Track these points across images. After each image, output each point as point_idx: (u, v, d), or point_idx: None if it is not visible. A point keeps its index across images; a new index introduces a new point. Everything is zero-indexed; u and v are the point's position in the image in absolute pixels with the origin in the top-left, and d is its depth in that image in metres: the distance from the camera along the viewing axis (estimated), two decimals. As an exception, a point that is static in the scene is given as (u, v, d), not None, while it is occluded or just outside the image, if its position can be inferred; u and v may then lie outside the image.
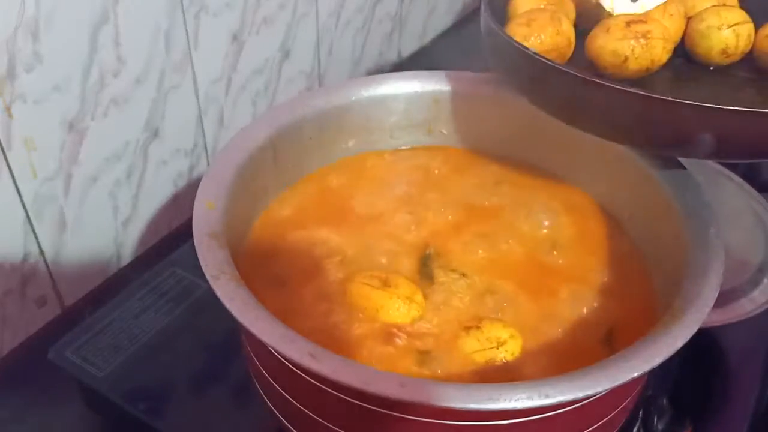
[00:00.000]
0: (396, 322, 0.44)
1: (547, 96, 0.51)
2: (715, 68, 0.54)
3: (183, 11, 0.61)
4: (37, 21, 0.50)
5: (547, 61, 0.47)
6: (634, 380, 0.37)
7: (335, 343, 0.43)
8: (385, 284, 0.45)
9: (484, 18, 0.53)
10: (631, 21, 0.49)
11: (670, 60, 0.52)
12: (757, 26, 0.53)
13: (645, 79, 0.51)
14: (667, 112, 0.44)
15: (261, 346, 0.42)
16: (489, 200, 0.55)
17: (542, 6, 0.55)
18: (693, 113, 0.43)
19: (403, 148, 0.59)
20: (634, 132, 0.48)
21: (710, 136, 0.44)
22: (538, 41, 0.52)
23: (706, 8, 0.54)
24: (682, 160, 0.50)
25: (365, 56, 0.89)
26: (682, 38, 0.54)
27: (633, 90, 0.44)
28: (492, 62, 0.55)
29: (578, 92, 0.47)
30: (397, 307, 0.45)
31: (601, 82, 0.45)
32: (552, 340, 0.44)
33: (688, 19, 0.54)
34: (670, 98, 0.43)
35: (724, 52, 0.53)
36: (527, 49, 0.48)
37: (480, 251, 0.50)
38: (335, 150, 0.57)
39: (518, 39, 0.50)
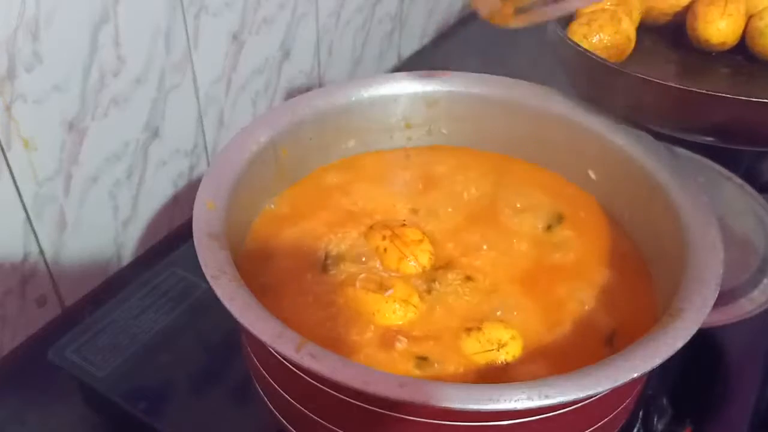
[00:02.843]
0: (392, 325, 0.44)
1: (604, 95, 0.53)
2: None
3: (183, 11, 0.61)
4: (37, 21, 0.50)
5: (600, 60, 0.50)
6: (634, 380, 0.37)
7: (334, 344, 0.43)
8: (381, 287, 0.45)
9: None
10: None
11: (730, 57, 0.57)
12: None
13: (705, 74, 0.56)
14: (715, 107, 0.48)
15: (261, 347, 0.42)
16: (489, 200, 0.54)
17: (607, 5, 0.57)
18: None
19: (404, 148, 0.59)
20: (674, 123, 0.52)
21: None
22: (597, 39, 0.55)
23: (766, 7, 0.56)
24: (682, 159, 0.50)
25: (365, 56, 0.89)
26: (743, 36, 0.56)
27: (679, 86, 0.48)
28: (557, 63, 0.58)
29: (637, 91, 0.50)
30: (393, 309, 0.45)
31: (650, 78, 0.48)
32: (553, 341, 0.44)
33: (750, 17, 0.56)
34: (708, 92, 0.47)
35: None
36: (580, 47, 0.52)
37: (480, 251, 0.50)
38: (335, 150, 0.57)
39: (577, 38, 0.55)
